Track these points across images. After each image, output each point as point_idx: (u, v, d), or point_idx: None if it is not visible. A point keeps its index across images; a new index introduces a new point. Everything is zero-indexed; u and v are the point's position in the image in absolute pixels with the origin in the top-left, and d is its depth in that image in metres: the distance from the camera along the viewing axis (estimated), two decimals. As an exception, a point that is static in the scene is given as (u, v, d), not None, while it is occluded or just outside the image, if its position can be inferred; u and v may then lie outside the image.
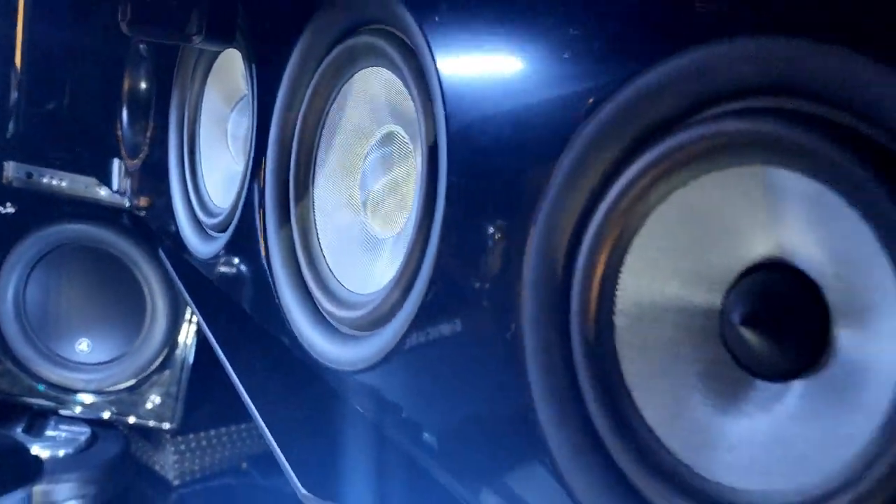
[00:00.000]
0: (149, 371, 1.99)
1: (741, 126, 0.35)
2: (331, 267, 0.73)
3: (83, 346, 2.00)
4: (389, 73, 0.67)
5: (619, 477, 0.43)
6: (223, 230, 0.94)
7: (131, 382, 2.00)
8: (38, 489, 1.70)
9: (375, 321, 0.65)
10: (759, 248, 0.40)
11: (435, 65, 0.57)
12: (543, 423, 0.47)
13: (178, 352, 1.99)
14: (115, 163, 1.89)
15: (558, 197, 0.46)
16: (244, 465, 2.15)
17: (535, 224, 0.47)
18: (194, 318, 1.99)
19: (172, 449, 2.03)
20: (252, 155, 0.84)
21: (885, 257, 0.33)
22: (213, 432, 2.08)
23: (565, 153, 0.45)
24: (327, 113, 0.74)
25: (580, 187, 0.44)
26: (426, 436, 0.59)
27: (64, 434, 1.99)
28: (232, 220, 0.89)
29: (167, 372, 2.00)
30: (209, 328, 1.02)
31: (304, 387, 0.86)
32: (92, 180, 1.96)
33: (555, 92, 0.49)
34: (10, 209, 1.96)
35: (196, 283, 1.09)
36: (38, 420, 2.01)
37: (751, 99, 0.35)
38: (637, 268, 0.44)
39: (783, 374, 0.39)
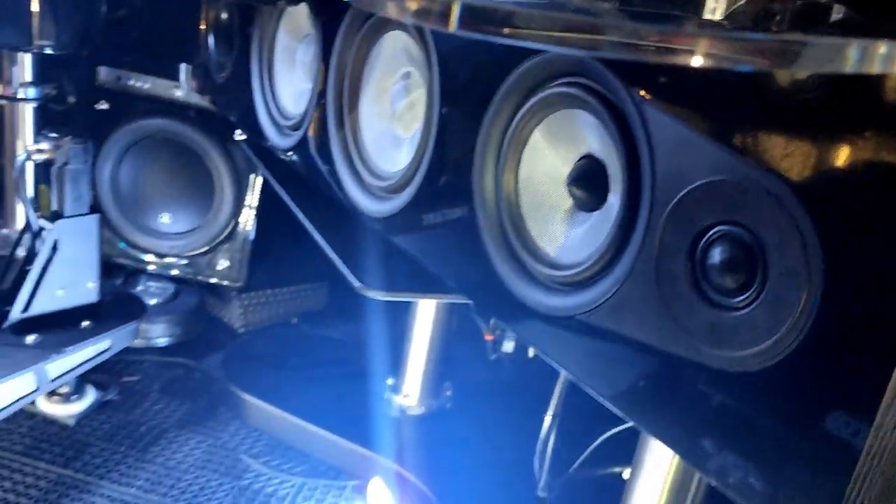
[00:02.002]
0: (219, 240, 2.45)
1: (561, 90, 0.77)
2: (371, 154, 1.15)
3: (165, 219, 2.47)
4: (406, 35, 1.07)
5: (519, 261, 0.87)
6: (296, 129, 1.36)
7: (205, 249, 2.47)
8: (140, 326, 2.21)
9: (398, 188, 1.08)
10: (581, 148, 0.82)
11: (433, 37, 0.97)
12: (489, 250, 0.90)
13: (242, 225, 2.45)
14: (183, 67, 2.30)
15: (493, 116, 0.88)
16: (294, 320, 2.66)
17: (480, 133, 0.89)
18: (254, 200, 2.43)
19: (238, 304, 2.52)
20: (317, 78, 1.26)
21: (617, 155, 0.75)
22: (269, 291, 2.58)
23: (494, 98, 0.86)
24: (367, 56, 1.15)
25: (501, 115, 0.86)
26: (430, 261, 1.03)
27: (153, 289, 2.50)
28: (303, 123, 1.32)
29: (233, 241, 2.46)
30: (283, 188, 1.47)
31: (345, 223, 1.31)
32: (171, 83, 2.37)
33: (500, 58, 0.90)
34: (104, 106, 2.39)
35: (271, 163, 1.54)
36: (131, 278, 2.51)
37: (563, 78, 0.77)
38: (528, 159, 0.86)
39: (588, 209, 0.82)
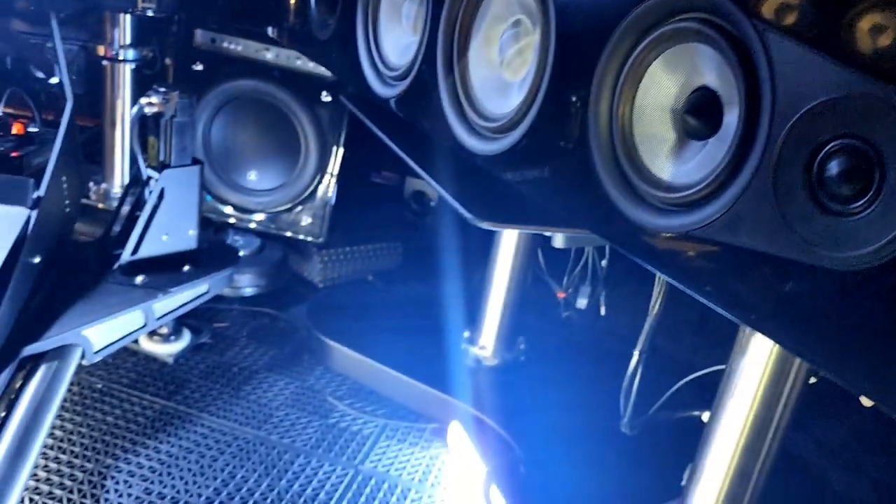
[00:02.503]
0: (302, 197, 2.58)
1: (680, 25, 0.83)
2: (479, 98, 1.23)
3: (252, 177, 2.60)
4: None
5: (632, 187, 0.94)
6: (401, 79, 1.45)
7: (289, 206, 2.60)
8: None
9: (507, 128, 1.16)
10: (696, 80, 0.88)
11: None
12: (601, 178, 0.98)
13: (326, 184, 2.57)
14: (270, 29, 2.42)
15: (612, 52, 0.95)
16: (370, 277, 2.77)
17: (597, 69, 0.96)
18: (336, 166, 2.55)
19: (318, 259, 2.65)
20: (427, 27, 1.34)
21: (736, 82, 0.81)
22: (348, 249, 2.70)
23: (613, 36, 0.93)
24: (478, 7, 1.23)
25: (619, 52, 0.93)
26: (539, 194, 1.11)
27: (240, 242, 2.64)
28: (409, 73, 1.41)
29: (317, 199, 2.59)
30: (386, 135, 1.57)
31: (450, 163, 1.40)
32: (261, 45, 2.49)
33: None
34: (199, 67, 2.52)
35: (372, 114, 1.66)
36: (220, 232, 2.66)
37: (682, 14, 0.84)
38: (644, 91, 0.93)
39: (700, 138, 0.89)
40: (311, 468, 1.85)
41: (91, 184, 2.67)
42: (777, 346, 1.32)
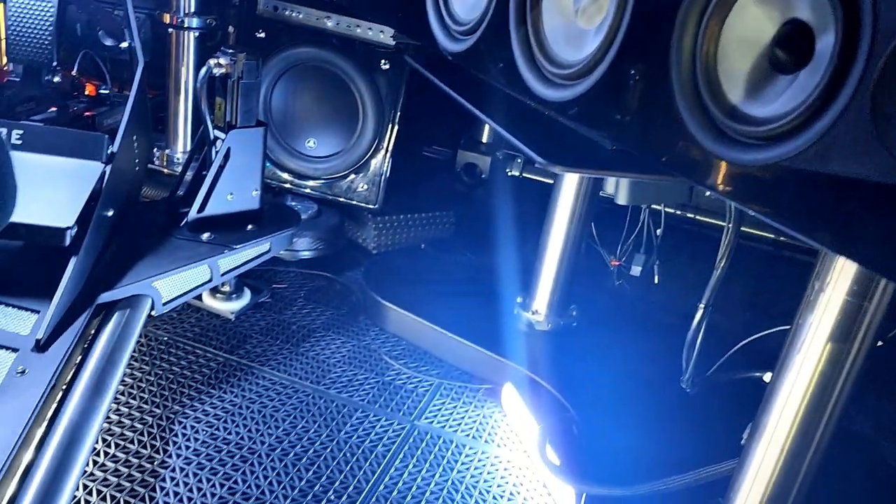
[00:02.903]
0: (359, 164, 2.62)
1: None
2: (551, 46, 1.25)
3: (311, 143, 2.64)
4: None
5: (715, 123, 0.95)
6: (470, 34, 1.47)
7: (346, 172, 2.64)
8: (289, 238, 2.39)
9: (580, 75, 1.17)
10: (787, 13, 0.88)
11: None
12: (683, 116, 0.98)
13: (382, 152, 2.60)
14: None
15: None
16: (423, 245, 2.80)
17: (682, 4, 0.96)
18: (395, 127, 2.57)
19: (373, 226, 2.69)
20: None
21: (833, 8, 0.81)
22: (402, 216, 2.73)
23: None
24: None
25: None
26: (615, 137, 1.12)
27: (298, 207, 2.68)
28: (479, 27, 1.42)
29: (373, 167, 2.62)
30: (452, 90, 1.60)
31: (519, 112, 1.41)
32: (322, 13, 2.52)
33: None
34: (261, 34, 2.57)
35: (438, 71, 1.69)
36: (278, 197, 2.71)
37: None
38: (731, 25, 0.93)
39: (790, 71, 0.89)
40: (369, 422, 1.90)
41: (155, 150, 2.75)
42: (845, 301, 1.31)
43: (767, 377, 1.50)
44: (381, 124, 2.57)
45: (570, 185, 2.14)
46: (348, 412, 1.92)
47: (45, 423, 1.38)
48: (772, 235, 2.39)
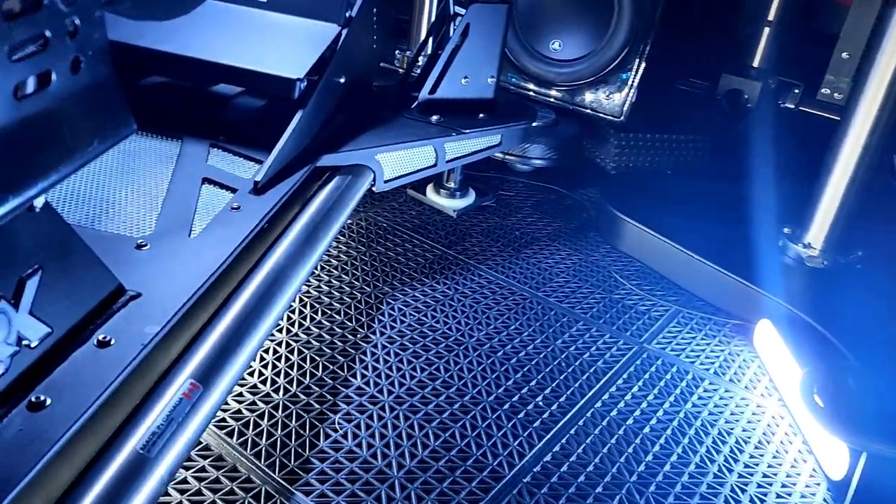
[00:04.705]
0: (607, 70, 2.34)
1: None
2: None
3: (556, 45, 2.41)
4: None
5: None
6: None
7: (591, 79, 2.37)
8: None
9: None
10: None
11: None
12: None
13: (636, 58, 2.30)
14: None
15: None
16: (669, 171, 2.46)
17: None
18: (652, 31, 2.26)
19: (614, 143, 2.40)
20: None
21: None
22: (648, 136, 2.41)
23: None
24: None
25: None
26: None
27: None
28: None
29: (623, 74, 2.33)
30: None
31: None
32: None
33: None
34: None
35: None
36: (514, 104, 2.52)
37: None
38: None
39: None
40: (591, 335, 1.65)
41: (396, 52, 2.68)
42: None
43: None
44: (637, 22, 2.26)
45: (866, 111, 1.71)
46: (568, 322, 1.69)
47: (252, 261, 1.32)
48: None
